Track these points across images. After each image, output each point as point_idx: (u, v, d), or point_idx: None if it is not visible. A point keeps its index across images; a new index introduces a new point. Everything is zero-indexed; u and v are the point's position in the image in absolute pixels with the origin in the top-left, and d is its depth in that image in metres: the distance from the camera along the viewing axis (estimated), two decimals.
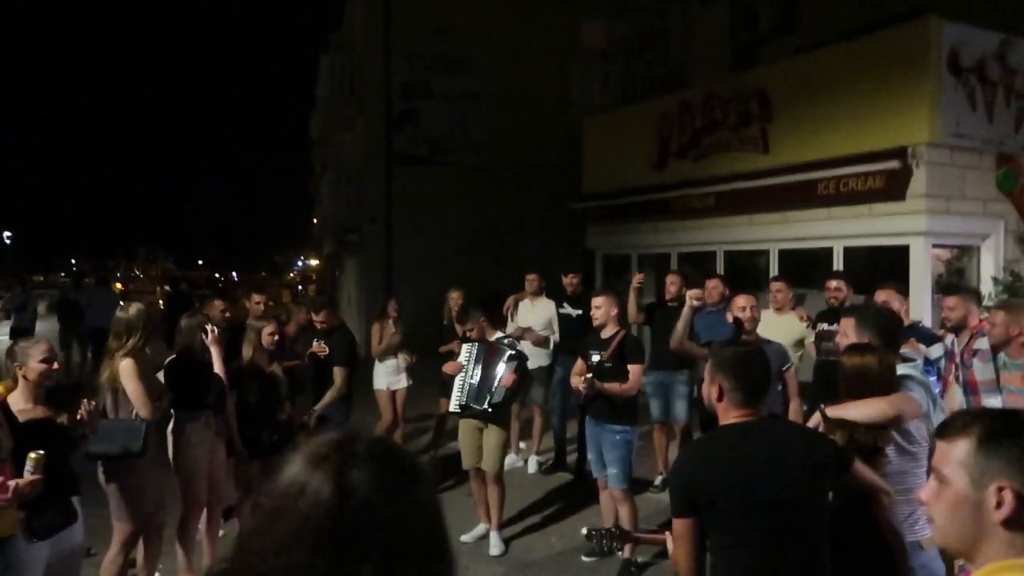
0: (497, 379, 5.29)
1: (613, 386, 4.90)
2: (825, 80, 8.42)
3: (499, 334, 5.63)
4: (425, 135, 15.96)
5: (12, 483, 3.05)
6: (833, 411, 2.96)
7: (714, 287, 6.17)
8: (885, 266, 8.16)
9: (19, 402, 3.43)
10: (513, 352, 5.41)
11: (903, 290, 5.43)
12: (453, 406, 5.49)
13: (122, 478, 4.11)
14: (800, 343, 6.00)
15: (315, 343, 5.94)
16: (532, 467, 7.53)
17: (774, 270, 9.17)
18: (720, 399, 2.45)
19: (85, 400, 3.68)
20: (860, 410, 2.93)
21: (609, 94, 14.00)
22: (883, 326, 3.48)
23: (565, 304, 7.47)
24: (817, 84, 8.52)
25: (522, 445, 7.91)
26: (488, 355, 5.40)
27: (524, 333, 7.16)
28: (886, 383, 2.99)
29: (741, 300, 4.89)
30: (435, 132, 16.00)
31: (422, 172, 15.71)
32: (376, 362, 7.36)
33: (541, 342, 7.33)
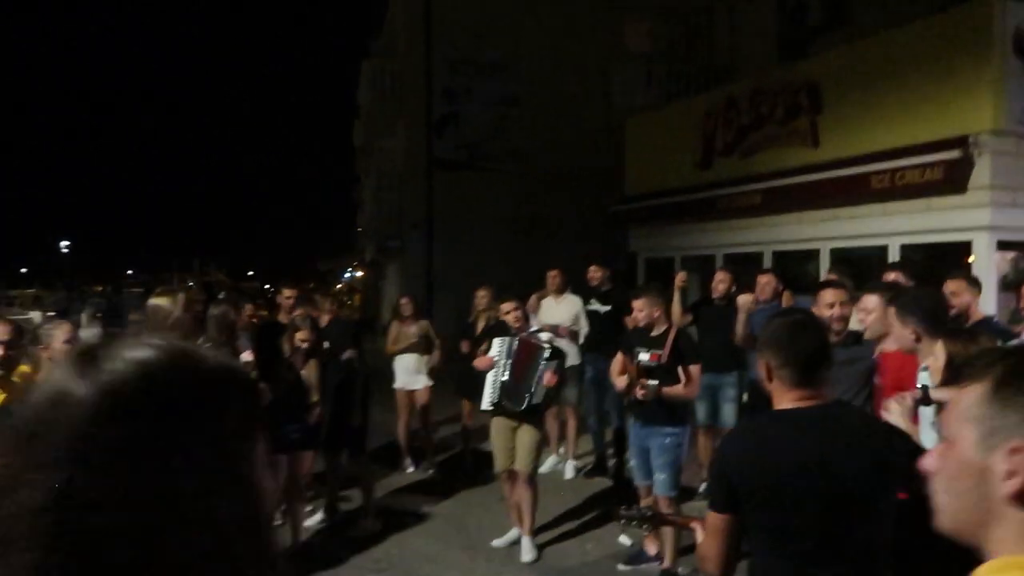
0: (536, 378, 5.04)
1: (676, 389, 4.62)
2: (878, 68, 8.01)
3: (532, 327, 5.37)
4: (466, 140, 15.85)
5: None
6: (942, 394, 2.55)
7: (767, 282, 5.83)
8: (946, 264, 7.68)
9: None
10: (552, 349, 5.15)
11: (975, 281, 4.79)
12: (486, 404, 5.26)
13: None
14: None
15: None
16: (569, 472, 7.25)
17: (825, 271, 8.75)
18: (771, 379, 2.12)
19: None
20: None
21: (653, 95, 13.69)
22: (929, 309, 3.12)
23: (592, 300, 7.19)
24: (870, 73, 8.11)
25: (559, 448, 7.63)
26: (523, 351, 5.15)
27: (553, 329, 6.92)
28: None
29: (828, 295, 4.24)
30: (476, 137, 15.87)
31: (463, 177, 15.58)
32: (394, 361, 7.31)
33: (570, 338, 7.07)
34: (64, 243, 43.64)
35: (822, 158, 8.59)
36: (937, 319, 3.05)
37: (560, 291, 7.31)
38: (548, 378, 5.02)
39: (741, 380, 6.11)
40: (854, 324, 4.04)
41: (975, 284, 4.75)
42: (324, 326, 5.84)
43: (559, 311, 7.26)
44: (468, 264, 14.56)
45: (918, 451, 2.15)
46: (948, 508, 0.96)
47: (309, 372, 5.10)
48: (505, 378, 5.11)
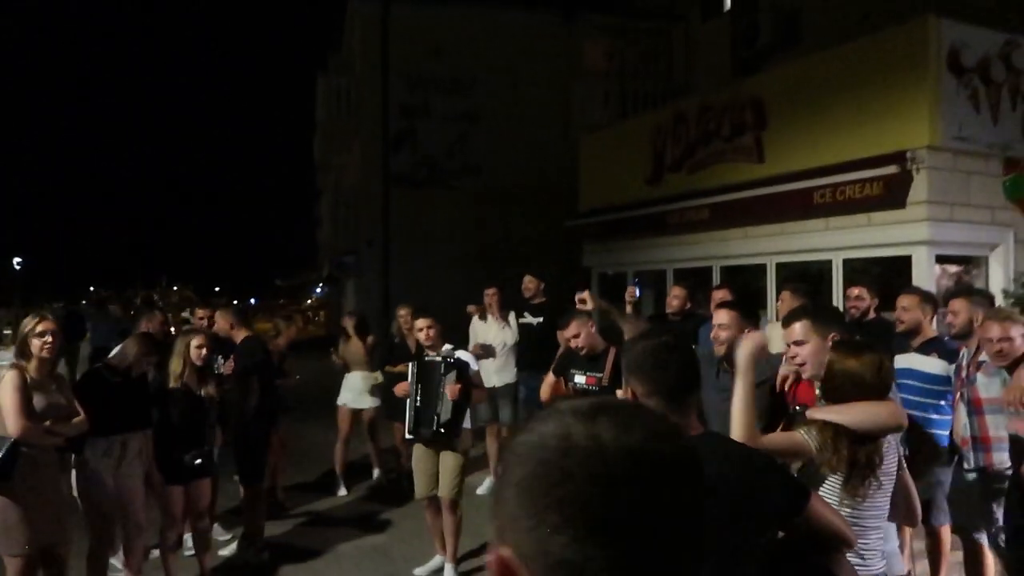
0: (439, 395, 4.83)
1: None
2: (821, 85, 8.05)
3: (448, 346, 5.16)
4: (423, 157, 15.72)
5: None
6: (820, 412, 2.45)
7: (721, 297, 5.68)
8: (887, 279, 7.68)
9: None
10: (447, 361, 4.92)
11: (929, 298, 4.69)
12: (407, 433, 5.07)
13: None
14: None
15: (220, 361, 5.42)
16: None
17: (772, 285, 8.73)
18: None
19: None
20: (854, 413, 2.37)
21: (611, 114, 13.72)
22: (829, 313, 3.02)
23: (525, 313, 7.06)
24: (813, 89, 8.15)
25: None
26: (423, 372, 4.98)
27: (487, 350, 6.82)
28: (883, 389, 2.47)
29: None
30: (433, 153, 15.75)
31: (420, 194, 15.44)
32: (343, 379, 7.18)
33: (501, 360, 6.96)
34: (17, 260, 42.63)
35: (767, 173, 8.59)
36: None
37: (499, 308, 7.18)
38: (451, 391, 4.78)
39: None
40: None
41: (929, 300, 4.64)
42: (239, 343, 5.57)
43: (493, 332, 7.14)
44: (426, 281, 14.39)
45: (794, 488, 2.00)
46: None
47: (208, 392, 4.78)
48: (418, 403, 4.93)
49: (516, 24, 15.62)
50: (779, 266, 8.75)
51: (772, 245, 8.76)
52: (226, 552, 5.53)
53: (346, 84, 15.89)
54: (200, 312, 5.90)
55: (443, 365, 4.88)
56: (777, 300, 5.84)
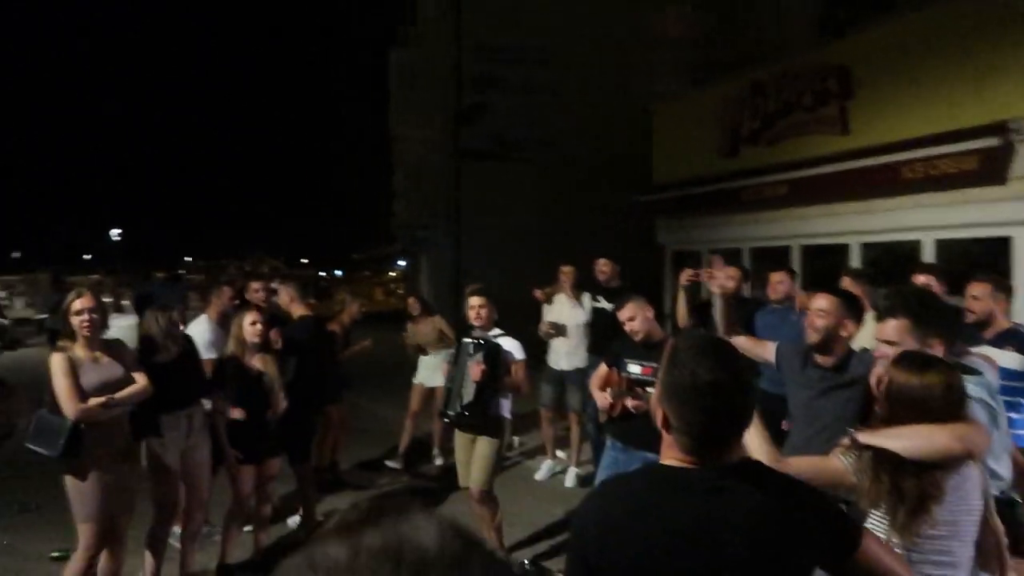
0: (463, 376, 4.65)
1: None
2: (912, 50, 7.41)
3: (497, 331, 4.95)
4: (495, 130, 15.53)
5: None
6: (871, 437, 2.12)
7: (779, 281, 5.33)
8: (984, 261, 7.06)
9: None
10: (477, 342, 4.69)
11: (1005, 286, 4.25)
12: (446, 417, 4.93)
13: (71, 477, 3.84)
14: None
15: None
16: (571, 480, 6.90)
17: (856, 265, 8.19)
18: (666, 428, 1.65)
19: (14, 398, 3.39)
20: (909, 440, 2.03)
21: (687, 83, 13.16)
22: (937, 315, 2.61)
23: (599, 297, 6.80)
24: (903, 54, 7.51)
25: (560, 454, 7.31)
26: (459, 352, 4.81)
27: (554, 330, 6.60)
28: (952, 414, 2.10)
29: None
30: (505, 126, 15.54)
31: (491, 167, 15.28)
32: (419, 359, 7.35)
33: (572, 342, 6.73)
34: (115, 231, 44.96)
35: (852, 146, 8.01)
36: (951, 331, 2.57)
37: (575, 288, 6.97)
38: (474, 371, 4.55)
39: None
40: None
41: (1002, 288, 4.17)
42: (293, 321, 5.53)
43: (566, 311, 6.94)
44: (497, 255, 14.28)
45: (843, 528, 1.69)
46: None
47: (267, 369, 4.73)
48: (451, 385, 4.77)
49: None
50: (864, 246, 8.20)
51: (856, 224, 8.20)
52: (290, 523, 5.61)
53: (419, 57, 15.80)
54: (255, 285, 5.85)
55: (472, 345, 4.67)
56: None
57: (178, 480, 4.42)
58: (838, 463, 2.08)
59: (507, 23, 15.12)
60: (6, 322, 17.83)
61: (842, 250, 8.43)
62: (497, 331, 4.84)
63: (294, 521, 5.67)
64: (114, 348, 4.09)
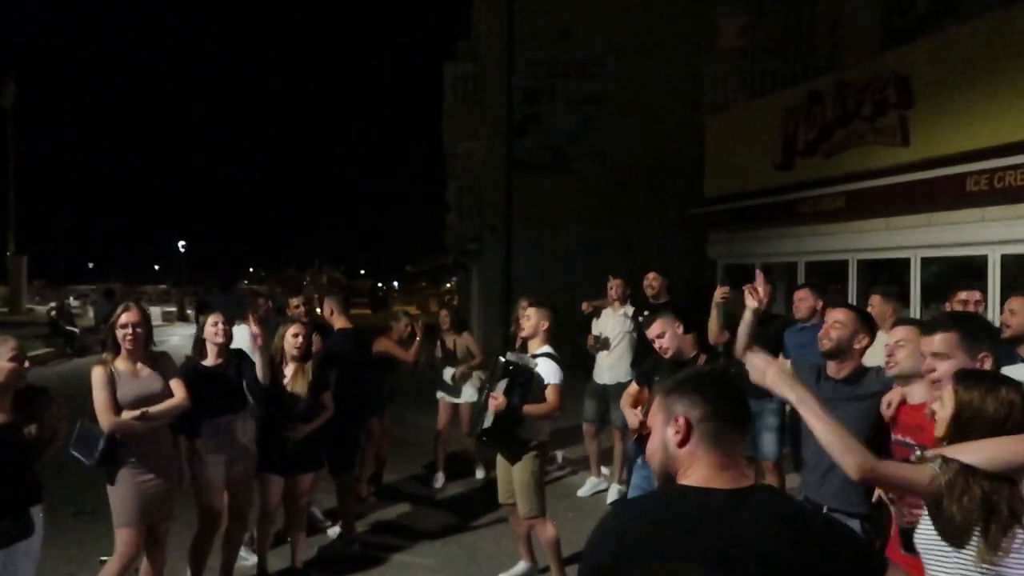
0: (484, 401, 4.53)
1: None
2: (975, 58, 7.12)
3: (545, 348, 4.84)
4: (547, 142, 15.52)
5: None
6: (943, 452, 2.06)
7: (802, 299, 5.20)
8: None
9: None
10: (506, 365, 4.50)
11: None
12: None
13: (112, 483, 3.93)
14: None
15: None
16: (613, 497, 6.79)
17: (916, 282, 7.89)
18: (686, 440, 1.60)
19: (55, 403, 3.48)
20: (984, 449, 1.99)
21: (746, 95, 12.94)
22: (984, 328, 2.51)
23: (646, 312, 6.69)
24: (967, 62, 7.22)
25: (605, 471, 7.20)
26: (491, 369, 4.73)
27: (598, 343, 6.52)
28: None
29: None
30: (557, 138, 15.51)
31: (543, 180, 15.26)
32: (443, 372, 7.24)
33: (615, 356, 6.62)
34: (181, 243, 46.57)
35: (912, 157, 7.74)
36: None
37: (622, 301, 6.88)
38: (492, 403, 4.38)
39: (783, 406, 5.47)
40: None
41: None
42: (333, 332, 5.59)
43: (610, 324, 6.85)
44: (548, 268, 14.23)
45: (874, 565, 1.62)
46: None
47: (303, 379, 4.76)
48: (479, 404, 4.70)
49: (647, 2, 15.02)
50: (925, 261, 7.89)
51: (917, 238, 7.91)
52: (330, 533, 5.65)
53: (472, 71, 15.92)
54: (294, 301, 5.96)
55: (502, 368, 4.49)
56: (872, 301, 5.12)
57: (221, 491, 4.47)
58: (930, 470, 2.02)
59: (559, 36, 15.12)
60: (76, 331, 18.54)
61: (902, 265, 8.13)
62: (544, 349, 4.70)
63: (334, 532, 5.69)
64: (159, 361, 4.15)
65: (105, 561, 4.44)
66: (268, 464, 4.63)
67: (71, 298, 34.37)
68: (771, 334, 5.06)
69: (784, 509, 1.60)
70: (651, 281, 6.85)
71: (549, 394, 4.48)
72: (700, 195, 11.69)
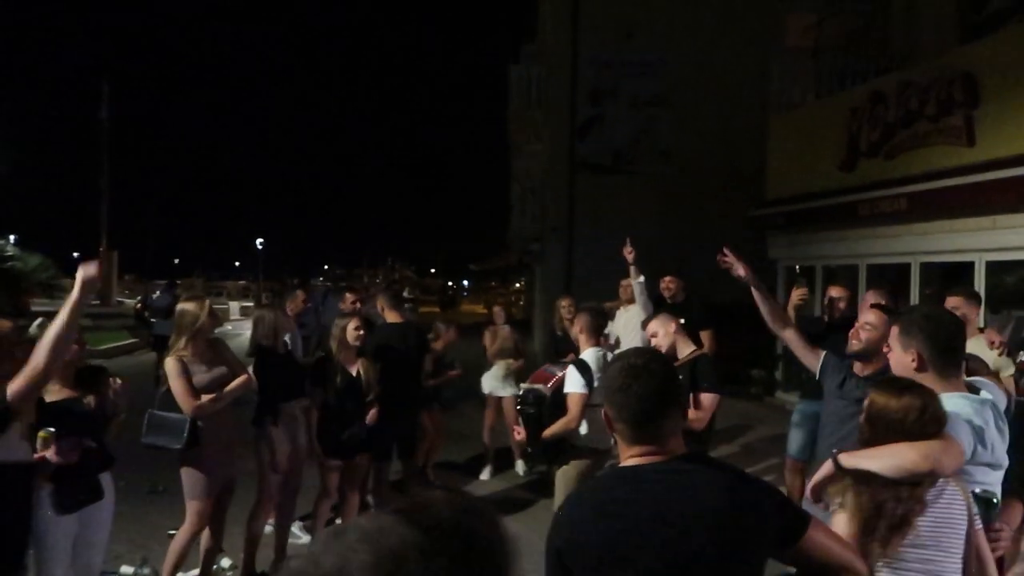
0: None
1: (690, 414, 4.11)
2: None
3: (592, 349, 4.86)
4: (610, 143, 15.56)
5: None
6: (849, 458, 2.19)
7: (840, 298, 5.19)
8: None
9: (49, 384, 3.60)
10: (524, 396, 4.50)
11: None
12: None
13: (186, 464, 4.26)
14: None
15: None
16: None
17: (981, 285, 7.67)
18: (611, 428, 1.82)
19: (112, 380, 3.82)
20: (879, 459, 2.12)
21: (815, 94, 12.68)
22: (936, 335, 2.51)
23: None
24: None
25: None
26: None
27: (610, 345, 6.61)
28: (927, 433, 2.14)
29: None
30: (621, 140, 15.54)
31: (606, 181, 15.32)
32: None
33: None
34: (259, 240, 48.25)
35: (978, 158, 7.53)
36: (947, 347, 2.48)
37: (631, 302, 6.96)
38: (516, 432, 4.44)
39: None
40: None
41: None
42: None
43: (620, 324, 6.96)
44: (609, 269, 14.23)
45: (794, 517, 1.78)
46: None
47: (365, 371, 5.07)
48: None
49: (713, 1, 14.90)
50: (989, 264, 7.67)
51: (981, 241, 7.69)
52: None
53: (537, 73, 16.11)
54: (350, 296, 6.26)
55: (520, 399, 4.54)
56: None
57: (279, 467, 4.79)
58: (840, 521, 2.15)
59: (623, 37, 15.14)
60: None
61: (966, 268, 7.92)
62: (588, 352, 4.55)
63: None
64: (217, 347, 4.51)
65: (173, 535, 4.82)
66: (330, 448, 4.93)
67: (157, 292, 36.09)
68: (811, 335, 5.01)
69: (715, 471, 1.78)
70: (668, 284, 6.90)
71: (569, 404, 4.32)
72: (762, 196, 11.56)
